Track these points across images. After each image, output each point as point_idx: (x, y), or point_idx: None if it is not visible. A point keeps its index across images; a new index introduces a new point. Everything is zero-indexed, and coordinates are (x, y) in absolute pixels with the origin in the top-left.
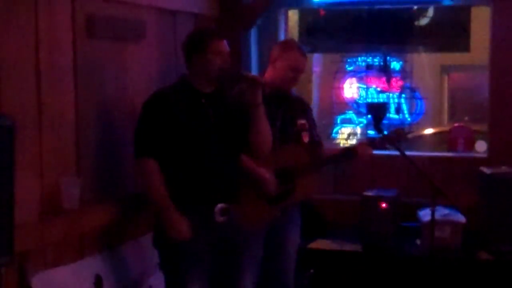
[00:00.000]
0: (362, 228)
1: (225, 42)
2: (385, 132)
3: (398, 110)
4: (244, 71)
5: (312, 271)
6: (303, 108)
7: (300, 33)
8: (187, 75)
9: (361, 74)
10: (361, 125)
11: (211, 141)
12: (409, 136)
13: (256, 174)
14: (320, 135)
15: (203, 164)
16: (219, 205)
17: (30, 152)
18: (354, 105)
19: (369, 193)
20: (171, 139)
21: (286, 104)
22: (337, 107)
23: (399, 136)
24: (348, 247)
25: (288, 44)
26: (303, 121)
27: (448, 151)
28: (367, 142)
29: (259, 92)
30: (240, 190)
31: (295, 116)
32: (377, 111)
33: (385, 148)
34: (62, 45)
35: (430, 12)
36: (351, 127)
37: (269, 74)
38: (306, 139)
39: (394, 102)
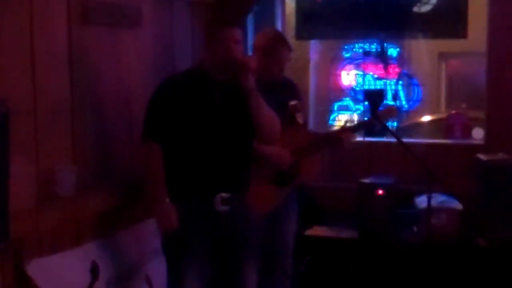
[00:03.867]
0: (359, 215)
1: (234, 29)
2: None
3: (395, 97)
4: (235, 55)
5: (308, 258)
6: (293, 89)
7: (297, 20)
8: (205, 60)
9: (358, 61)
10: (358, 112)
11: (217, 129)
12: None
13: (264, 153)
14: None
15: (205, 152)
16: (221, 194)
17: (25, 139)
18: (351, 92)
19: (366, 180)
20: (176, 125)
21: (276, 88)
22: (334, 94)
23: (373, 123)
24: (345, 234)
25: (272, 38)
26: (294, 102)
27: (445, 138)
28: (348, 128)
29: (250, 76)
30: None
31: (286, 98)
32: (374, 98)
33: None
34: (57, 32)
35: None
36: (348, 114)
37: (262, 65)
38: (300, 120)
39: (391, 89)
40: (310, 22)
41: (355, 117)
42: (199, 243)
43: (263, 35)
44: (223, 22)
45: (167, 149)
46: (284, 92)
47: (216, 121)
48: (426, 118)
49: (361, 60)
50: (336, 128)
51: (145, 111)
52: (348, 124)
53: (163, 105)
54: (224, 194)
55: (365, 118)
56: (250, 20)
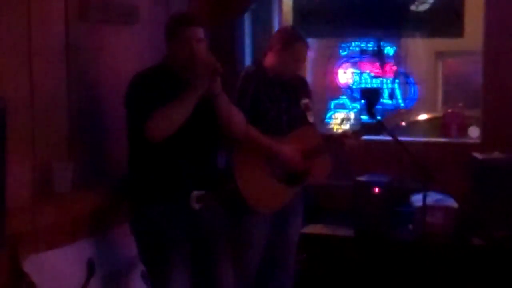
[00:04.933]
0: (354, 213)
1: (196, 28)
2: (379, 117)
3: (392, 95)
4: (201, 55)
5: (304, 255)
6: (305, 87)
7: (294, 18)
8: (167, 58)
9: (355, 59)
10: (355, 110)
11: (188, 127)
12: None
13: (277, 153)
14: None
15: (178, 151)
16: (195, 192)
17: (22, 135)
18: (347, 90)
19: (362, 178)
20: None
21: (289, 86)
22: (330, 92)
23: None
24: (341, 232)
25: (292, 35)
26: (306, 101)
27: (441, 136)
28: (352, 132)
29: (218, 80)
30: (255, 172)
31: (298, 96)
32: (370, 96)
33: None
34: (54, 29)
35: None
36: (345, 112)
37: (271, 60)
38: (311, 119)
39: (387, 88)
40: (307, 21)
41: (352, 115)
42: (179, 240)
43: (281, 31)
44: (185, 21)
45: (140, 149)
46: (297, 90)
47: (187, 122)
48: (423, 116)
49: (358, 59)
50: (339, 130)
51: (130, 108)
52: (351, 127)
53: (145, 96)
54: (197, 192)
55: (368, 121)
56: (247, 18)
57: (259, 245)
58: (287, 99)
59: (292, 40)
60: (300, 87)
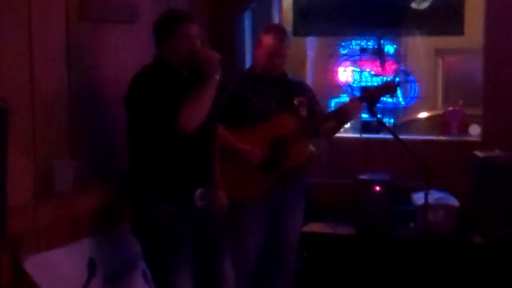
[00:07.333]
0: (355, 211)
1: (193, 25)
2: (379, 116)
3: None
4: (205, 49)
5: (305, 254)
6: (301, 88)
7: (294, 16)
8: (162, 55)
9: (355, 58)
10: None
11: None
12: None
13: (236, 150)
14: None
15: (181, 149)
16: (199, 190)
17: (23, 135)
18: (348, 88)
19: (363, 177)
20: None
21: (282, 84)
22: (331, 90)
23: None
24: (342, 230)
25: (266, 30)
26: (301, 98)
27: (442, 135)
28: (356, 98)
29: (219, 70)
30: (233, 163)
31: (291, 95)
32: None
33: (374, 102)
34: (55, 28)
35: None
36: None
37: (255, 57)
38: (304, 113)
39: None
40: (307, 19)
41: None
42: (185, 242)
43: (272, 35)
44: (183, 18)
45: (145, 149)
46: (290, 90)
47: None
48: (423, 114)
49: (358, 57)
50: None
51: (146, 106)
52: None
53: (160, 93)
54: (201, 189)
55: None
56: (247, 17)
57: (254, 232)
58: (279, 95)
59: (265, 34)
60: (295, 88)
